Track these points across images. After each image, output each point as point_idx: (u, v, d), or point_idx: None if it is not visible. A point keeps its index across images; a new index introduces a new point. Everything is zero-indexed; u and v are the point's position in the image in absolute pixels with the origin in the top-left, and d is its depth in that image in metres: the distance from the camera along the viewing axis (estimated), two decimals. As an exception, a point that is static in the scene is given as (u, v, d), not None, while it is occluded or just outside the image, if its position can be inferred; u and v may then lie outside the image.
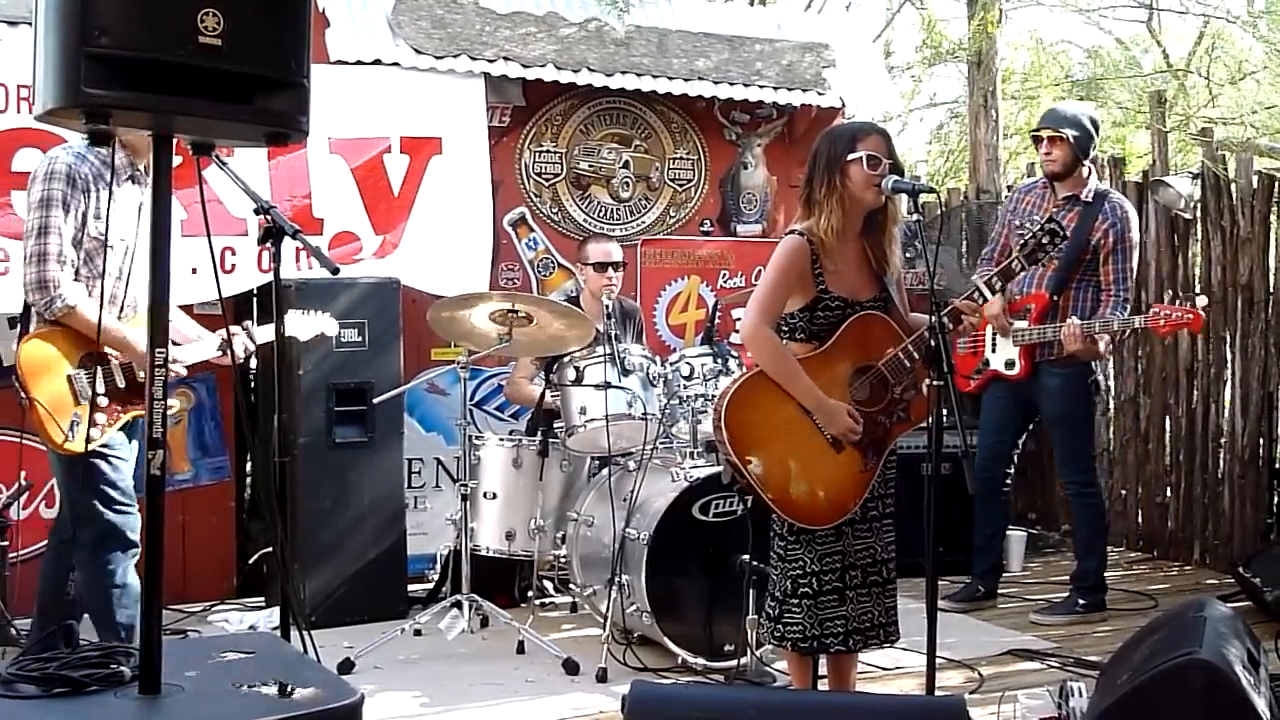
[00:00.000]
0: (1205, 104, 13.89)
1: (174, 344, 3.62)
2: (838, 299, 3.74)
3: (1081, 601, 5.62)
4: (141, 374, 4.13)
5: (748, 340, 3.74)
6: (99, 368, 4.05)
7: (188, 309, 5.15)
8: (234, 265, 5.53)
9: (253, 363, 6.07)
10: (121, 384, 4.11)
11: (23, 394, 3.96)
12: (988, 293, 3.88)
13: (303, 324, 4.75)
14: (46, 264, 3.94)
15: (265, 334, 4.57)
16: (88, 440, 3.93)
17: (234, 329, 4.36)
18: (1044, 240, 3.84)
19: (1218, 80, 13.80)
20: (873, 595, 3.80)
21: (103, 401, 4.04)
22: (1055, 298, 5.48)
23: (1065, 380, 5.56)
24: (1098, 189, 5.62)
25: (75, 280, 4.00)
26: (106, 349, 4.03)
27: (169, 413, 4.30)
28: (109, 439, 4.07)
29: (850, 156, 3.69)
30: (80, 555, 4.15)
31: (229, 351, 4.27)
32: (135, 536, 4.17)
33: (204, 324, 4.56)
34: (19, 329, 4.15)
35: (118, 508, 4.07)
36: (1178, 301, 5.34)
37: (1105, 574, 5.75)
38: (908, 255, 7.16)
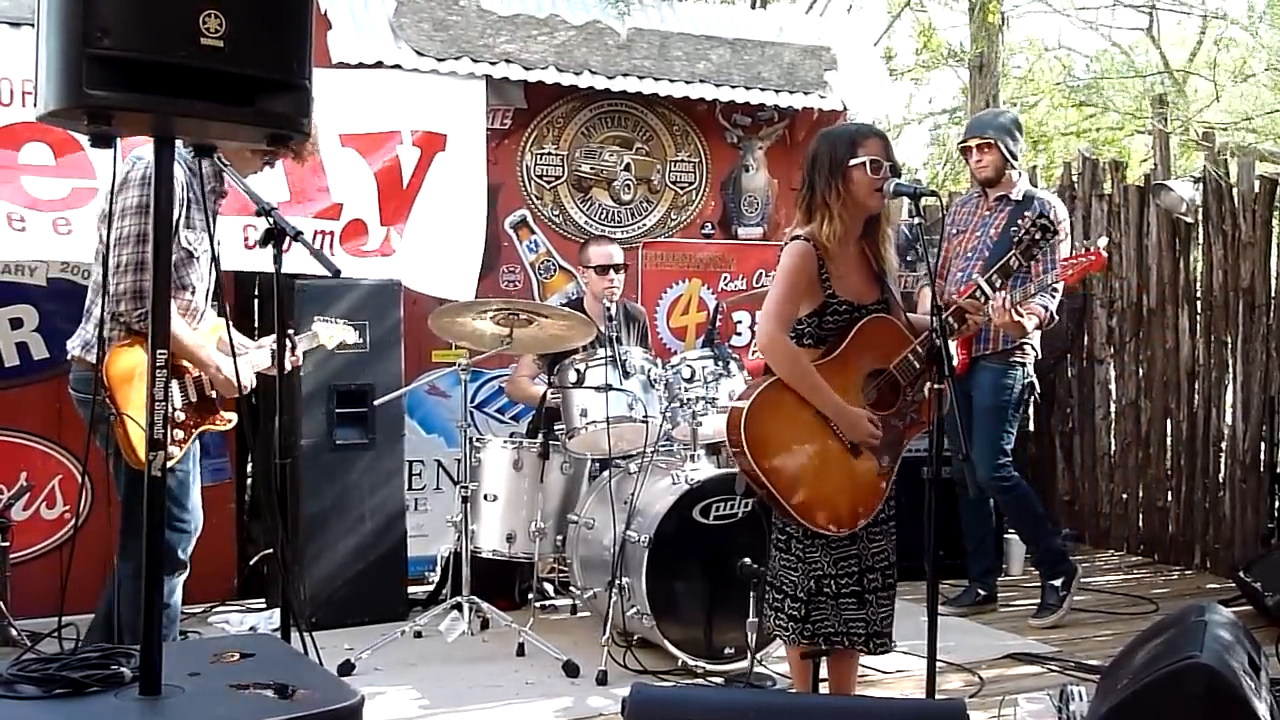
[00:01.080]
0: (1205, 107, 13.90)
1: (239, 354, 3.52)
2: (844, 303, 3.73)
3: (1055, 583, 5.65)
4: (211, 389, 4.11)
5: (765, 349, 3.71)
6: (176, 381, 3.97)
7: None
8: (255, 244, 5.50)
9: (300, 361, 6.06)
10: (194, 398, 4.07)
11: (111, 409, 3.78)
12: (988, 289, 3.90)
13: (329, 332, 4.71)
14: (144, 273, 3.76)
15: (306, 342, 4.56)
16: (166, 457, 3.86)
17: (267, 341, 4.33)
18: (1036, 235, 3.92)
19: (1219, 82, 13.82)
20: (890, 599, 3.81)
21: (179, 417, 3.97)
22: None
23: (996, 375, 5.67)
24: (1027, 189, 5.78)
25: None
26: (182, 361, 3.97)
27: (227, 426, 4.32)
28: (175, 451, 3.96)
29: (852, 162, 3.68)
30: (127, 567, 4.01)
31: (280, 362, 4.21)
32: (186, 556, 4.11)
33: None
34: (97, 343, 3.93)
35: (176, 524, 3.95)
36: (1082, 249, 5.38)
37: (1059, 540, 5.89)
38: (909, 259, 7.20)
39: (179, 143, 2.62)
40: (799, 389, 3.65)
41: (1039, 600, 5.73)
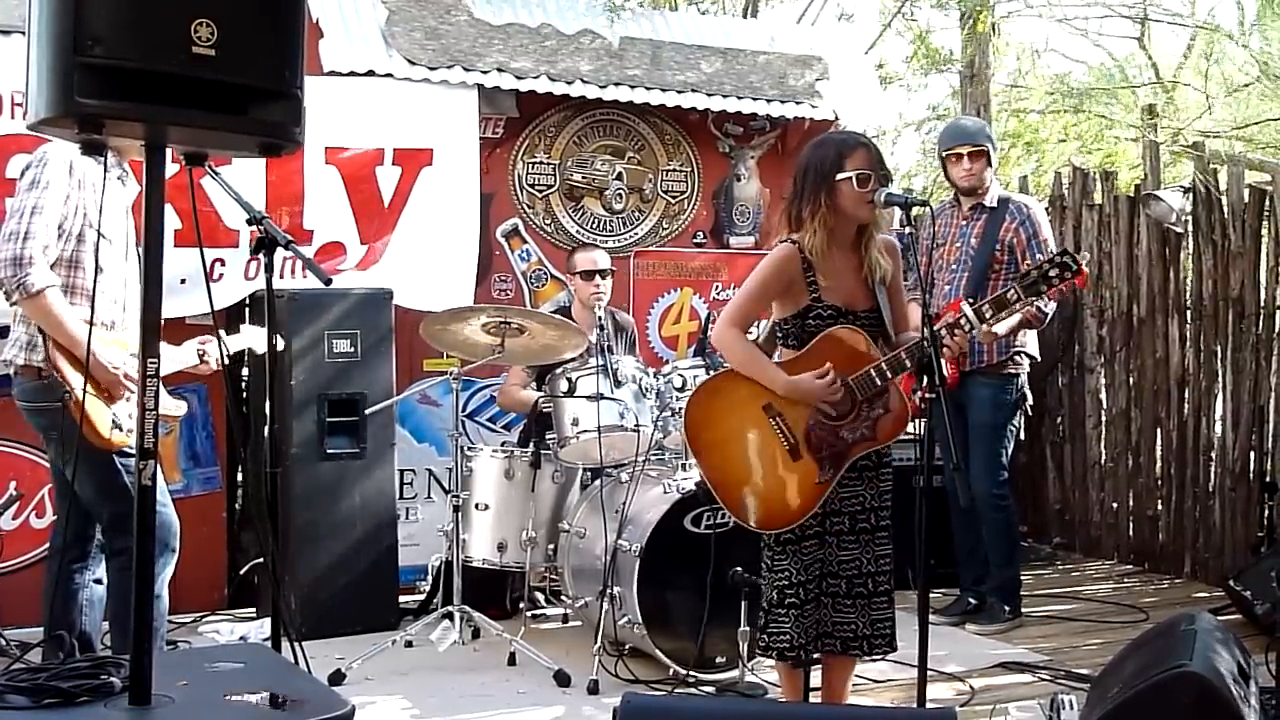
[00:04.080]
0: (1197, 118, 13.93)
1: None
2: (830, 308, 3.74)
3: (1007, 608, 5.72)
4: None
5: (716, 340, 3.83)
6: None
7: (179, 320, 5.16)
8: (222, 275, 5.54)
9: (245, 372, 6.06)
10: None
11: (64, 389, 3.86)
12: (975, 320, 3.89)
13: (259, 337, 4.69)
14: (27, 242, 3.82)
15: (237, 343, 4.55)
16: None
17: (207, 337, 4.34)
18: (1051, 273, 3.80)
19: (1209, 91, 13.87)
20: (857, 606, 3.79)
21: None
22: (974, 300, 5.54)
23: (994, 392, 5.68)
24: (1000, 194, 5.80)
25: (52, 271, 3.89)
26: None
27: (177, 413, 4.35)
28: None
29: (840, 176, 3.68)
30: (120, 561, 4.05)
31: (207, 359, 4.23)
32: (175, 541, 4.16)
33: (194, 335, 4.54)
34: (42, 341, 3.97)
35: (158, 507, 4.01)
36: None
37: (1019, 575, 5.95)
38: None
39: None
40: (748, 373, 3.74)
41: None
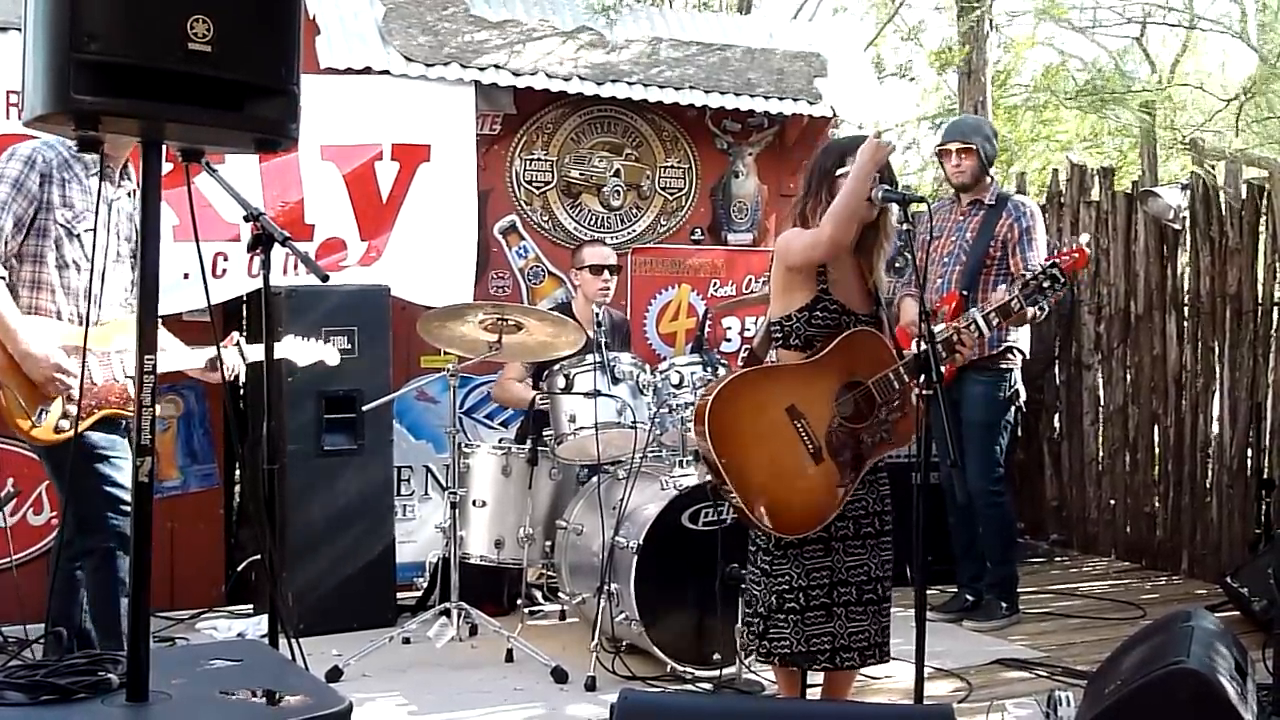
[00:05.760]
0: (1208, 120, 13.93)
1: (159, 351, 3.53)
2: (836, 303, 3.73)
3: (1004, 605, 5.73)
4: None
5: (827, 219, 3.61)
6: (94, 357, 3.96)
7: (176, 317, 5.16)
8: (224, 270, 5.53)
9: (241, 370, 6.06)
10: (109, 378, 4.02)
11: None
12: (985, 328, 3.94)
13: (300, 349, 4.65)
14: None
15: (257, 353, 4.52)
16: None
17: (225, 344, 4.31)
18: (1044, 284, 4.02)
19: (1209, 89, 13.88)
20: (869, 614, 3.76)
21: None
22: (966, 294, 5.55)
23: (988, 388, 5.68)
24: (1000, 192, 5.82)
25: (18, 265, 3.91)
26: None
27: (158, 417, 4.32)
28: (104, 440, 3.97)
29: (839, 172, 3.69)
30: (89, 562, 4.01)
31: (219, 368, 4.17)
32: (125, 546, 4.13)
33: (195, 331, 4.53)
34: None
35: (125, 509, 3.91)
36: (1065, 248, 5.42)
37: (1017, 570, 5.97)
38: (897, 265, 7.21)
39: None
40: (845, 204, 3.56)
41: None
